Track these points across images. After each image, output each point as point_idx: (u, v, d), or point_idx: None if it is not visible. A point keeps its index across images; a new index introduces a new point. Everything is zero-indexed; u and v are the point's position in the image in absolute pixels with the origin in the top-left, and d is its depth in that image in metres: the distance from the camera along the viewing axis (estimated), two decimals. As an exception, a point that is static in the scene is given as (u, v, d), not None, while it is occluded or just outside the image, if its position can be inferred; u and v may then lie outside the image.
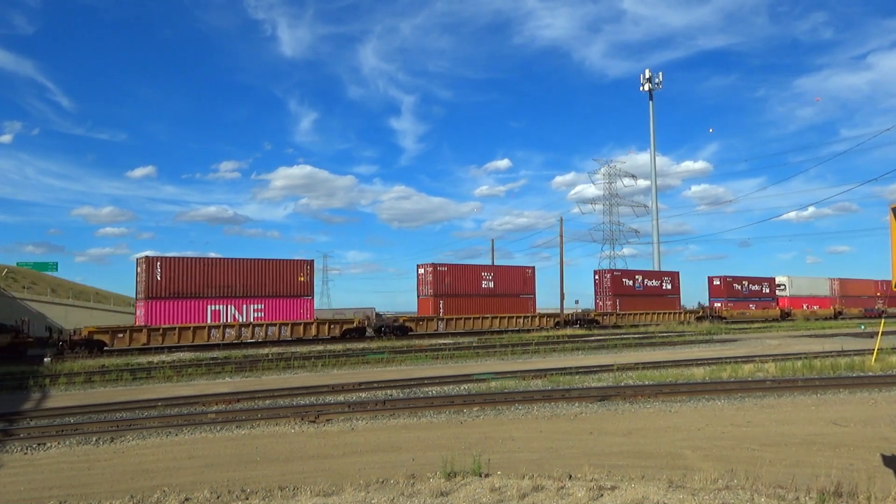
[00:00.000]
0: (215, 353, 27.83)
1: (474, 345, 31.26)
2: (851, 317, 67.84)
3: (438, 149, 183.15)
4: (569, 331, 43.86)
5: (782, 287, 65.56)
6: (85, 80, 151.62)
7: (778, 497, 6.45)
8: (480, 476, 7.58)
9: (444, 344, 32.06)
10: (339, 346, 30.81)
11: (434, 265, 41.76)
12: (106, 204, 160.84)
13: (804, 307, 66.17)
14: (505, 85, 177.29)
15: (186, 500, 7.30)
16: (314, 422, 11.83)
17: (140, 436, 10.88)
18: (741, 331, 43.76)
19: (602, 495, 6.64)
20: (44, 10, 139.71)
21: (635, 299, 52.46)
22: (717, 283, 60.74)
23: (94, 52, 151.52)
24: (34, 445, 10.35)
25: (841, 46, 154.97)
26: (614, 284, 51.42)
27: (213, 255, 44.26)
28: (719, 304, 58.54)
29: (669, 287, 56.02)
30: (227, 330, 33.31)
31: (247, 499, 7.28)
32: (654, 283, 55.11)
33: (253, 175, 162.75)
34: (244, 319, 34.10)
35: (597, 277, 52.66)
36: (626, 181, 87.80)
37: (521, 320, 44.77)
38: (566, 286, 49.31)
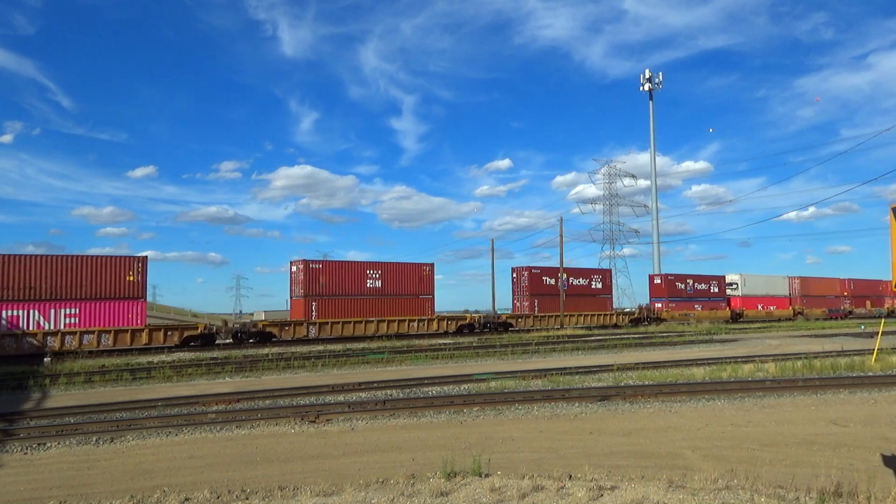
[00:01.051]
0: (215, 353, 27.82)
1: (474, 345, 31.27)
2: (813, 318, 64.25)
3: (439, 149, 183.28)
4: (568, 331, 43.72)
5: (734, 286, 60.88)
6: (86, 81, 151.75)
7: (778, 497, 6.45)
8: (480, 476, 7.58)
9: (445, 344, 32.06)
10: (338, 347, 30.80)
11: (306, 262, 36.96)
12: (107, 204, 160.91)
13: (759, 307, 62.00)
14: (506, 85, 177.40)
15: (186, 500, 7.30)
16: (314, 422, 11.83)
17: (140, 436, 10.88)
18: (741, 331, 43.77)
19: (602, 495, 6.65)
20: (45, 10, 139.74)
21: (558, 300, 47.34)
22: (657, 281, 56.26)
23: (96, 53, 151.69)
24: (34, 445, 10.34)
25: (842, 46, 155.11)
26: (533, 283, 46.53)
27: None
28: (660, 305, 54.37)
29: (600, 286, 51.40)
30: (27, 339, 28.04)
31: (247, 499, 7.28)
32: (582, 281, 50.04)
33: (254, 175, 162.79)
34: (52, 326, 28.74)
35: (514, 275, 47.83)
36: (627, 181, 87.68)
37: (416, 324, 40.09)
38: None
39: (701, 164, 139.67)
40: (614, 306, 55.13)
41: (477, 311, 52.42)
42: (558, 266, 48.64)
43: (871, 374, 17.54)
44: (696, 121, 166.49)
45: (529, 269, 47.82)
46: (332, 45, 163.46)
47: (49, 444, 10.41)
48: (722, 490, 6.69)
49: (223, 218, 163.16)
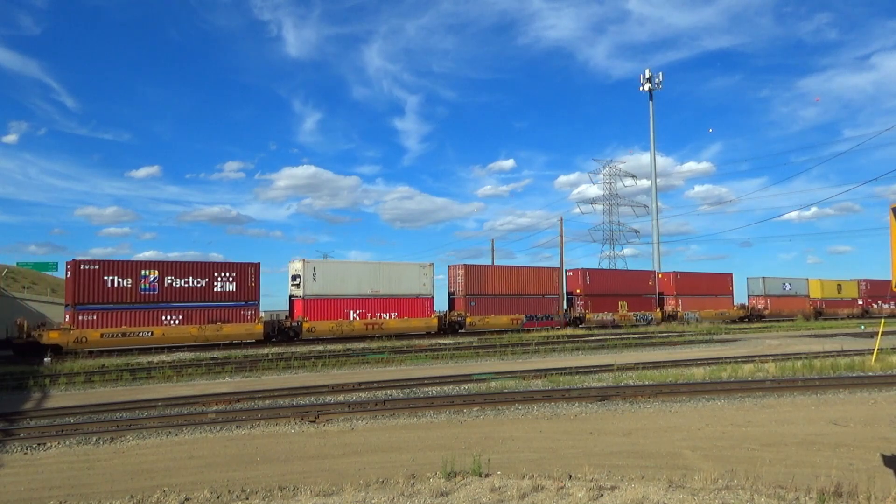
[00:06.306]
0: (215, 353, 27.82)
1: (474, 345, 31.27)
2: (489, 330, 41.27)
3: (442, 149, 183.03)
4: (568, 330, 43.69)
5: (297, 280, 36.57)
6: (90, 81, 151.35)
7: (778, 497, 6.45)
8: (480, 476, 7.58)
9: (445, 344, 32.06)
10: (338, 347, 30.80)
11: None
12: (109, 204, 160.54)
13: (352, 316, 37.30)
14: (509, 85, 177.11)
15: (186, 500, 7.30)
16: (314, 422, 11.83)
17: (140, 436, 10.88)
18: (741, 331, 43.77)
19: (602, 495, 6.65)
20: (50, 10, 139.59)
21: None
22: (68, 274, 30.39)
23: (100, 53, 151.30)
24: (34, 445, 10.35)
25: (845, 47, 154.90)
26: None
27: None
28: (69, 318, 29.62)
29: None
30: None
31: (247, 499, 7.28)
32: None
33: (257, 175, 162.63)
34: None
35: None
36: (627, 181, 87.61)
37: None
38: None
39: (703, 165, 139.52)
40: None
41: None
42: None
43: (871, 374, 17.54)
44: (700, 121, 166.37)
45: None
46: (337, 45, 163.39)
47: (49, 444, 10.42)
48: (722, 490, 6.69)
49: (226, 218, 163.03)
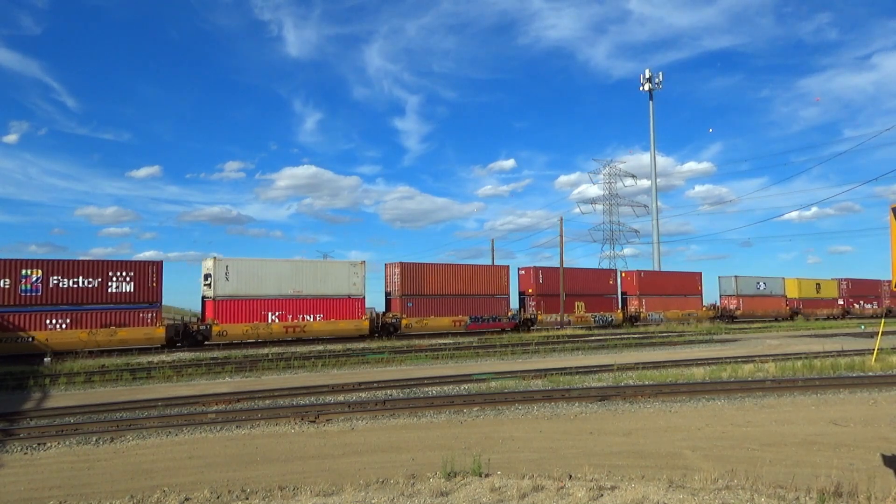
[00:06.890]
0: (215, 353, 27.81)
1: (474, 345, 31.27)
2: (415, 335, 38.72)
3: (442, 149, 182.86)
4: (568, 331, 43.67)
5: (207, 281, 33.45)
6: (90, 81, 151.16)
7: (778, 497, 6.45)
8: (480, 476, 7.58)
9: (445, 344, 32.06)
10: (338, 347, 30.78)
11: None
12: (109, 204, 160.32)
13: (271, 318, 34.03)
14: (510, 85, 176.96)
15: (186, 500, 7.30)
16: (314, 422, 11.83)
17: (140, 436, 10.89)
18: (741, 331, 43.77)
19: (602, 495, 6.65)
20: (50, 10, 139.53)
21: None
22: None
23: (100, 53, 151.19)
24: (34, 445, 10.35)
25: (845, 47, 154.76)
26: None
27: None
28: None
29: None
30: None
31: (247, 499, 7.29)
32: None
33: (257, 175, 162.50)
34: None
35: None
36: (628, 181, 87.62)
37: None
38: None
39: (704, 165, 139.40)
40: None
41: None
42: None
43: (871, 374, 17.55)
44: (700, 121, 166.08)
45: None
46: (337, 45, 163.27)
47: (49, 444, 10.42)
48: (722, 490, 6.70)
49: (226, 218, 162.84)
